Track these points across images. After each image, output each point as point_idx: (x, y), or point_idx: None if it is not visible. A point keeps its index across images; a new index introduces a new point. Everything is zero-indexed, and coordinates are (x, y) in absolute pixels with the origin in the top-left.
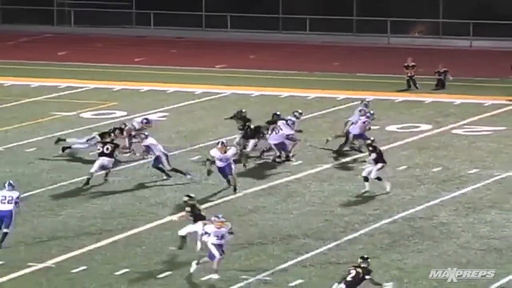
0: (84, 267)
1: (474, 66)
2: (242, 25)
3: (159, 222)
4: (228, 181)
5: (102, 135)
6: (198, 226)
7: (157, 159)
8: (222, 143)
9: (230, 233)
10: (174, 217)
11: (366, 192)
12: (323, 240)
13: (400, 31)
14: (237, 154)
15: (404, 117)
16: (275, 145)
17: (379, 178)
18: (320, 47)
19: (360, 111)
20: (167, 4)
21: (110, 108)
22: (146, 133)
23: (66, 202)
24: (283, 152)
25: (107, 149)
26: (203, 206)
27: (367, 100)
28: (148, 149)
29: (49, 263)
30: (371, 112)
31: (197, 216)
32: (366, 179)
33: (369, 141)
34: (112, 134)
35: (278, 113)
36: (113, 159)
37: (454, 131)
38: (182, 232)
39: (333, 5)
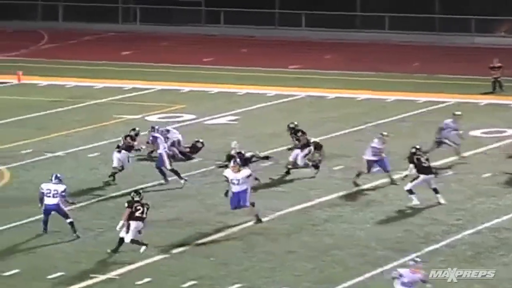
0: (149, 279)
1: None
2: (317, 23)
3: (229, 231)
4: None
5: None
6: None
7: (161, 158)
8: (235, 161)
9: (423, 281)
10: (120, 224)
11: (415, 205)
12: (402, 251)
13: (485, 30)
14: (252, 176)
15: (489, 121)
16: (371, 161)
17: (410, 191)
18: (399, 46)
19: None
20: (238, 1)
21: (177, 111)
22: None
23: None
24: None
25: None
26: (275, 215)
27: (457, 113)
28: (154, 140)
29: (112, 274)
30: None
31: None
32: (410, 191)
33: (413, 150)
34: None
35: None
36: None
37: None
38: (123, 234)
39: (413, 2)
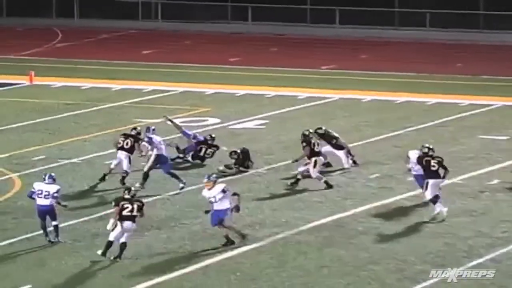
0: None
1: None
2: (352, 20)
3: (257, 244)
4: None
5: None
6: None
7: (163, 162)
8: (208, 177)
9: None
10: (109, 225)
11: (437, 214)
12: (443, 266)
13: None
14: (229, 192)
15: None
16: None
17: (433, 200)
18: (441, 45)
19: None
20: None
21: (201, 114)
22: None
23: (151, 222)
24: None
25: (127, 144)
26: (307, 226)
27: None
28: (149, 141)
29: None
30: None
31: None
32: (433, 201)
33: (425, 149)
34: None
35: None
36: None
37: None
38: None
39: None
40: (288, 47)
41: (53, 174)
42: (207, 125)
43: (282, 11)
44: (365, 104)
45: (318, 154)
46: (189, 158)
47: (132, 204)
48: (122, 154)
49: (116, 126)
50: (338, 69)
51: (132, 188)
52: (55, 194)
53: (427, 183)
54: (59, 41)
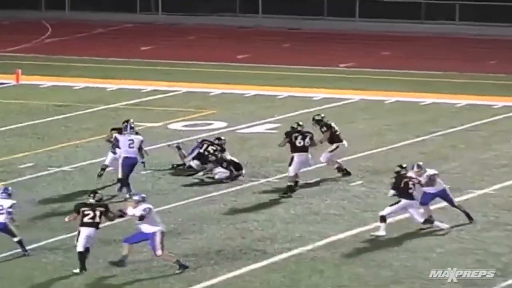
0: None
1: None
2: (373, 13)
3: (268, 261)
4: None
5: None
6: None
7: (127, 164)
8: (134, 195)
9: None
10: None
11: (379, 236)
12: (473, 286)
13: None
14: (149, 211)
15: None
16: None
17: (427, 221)
18: (473, 41)
19: None
20: None
21: (206, 117)
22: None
23: None
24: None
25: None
26: (323, 241)
27: None
28: (116, 142)
29: None
30: None
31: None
32: (382, 219)
33: (397, 169)
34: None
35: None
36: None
37: None
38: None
39: None
40: (302, 43)
41: (9, 188)
42: (213, 129)
43: (296, 3)
44: (388, 106)
45: (340, 139)
46: (192, 163)
47: (94, 210)
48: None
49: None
50: (357, 67)
51: (98, 192)
52: (10, 210)
53: (399, 201)
54: (49, 36)
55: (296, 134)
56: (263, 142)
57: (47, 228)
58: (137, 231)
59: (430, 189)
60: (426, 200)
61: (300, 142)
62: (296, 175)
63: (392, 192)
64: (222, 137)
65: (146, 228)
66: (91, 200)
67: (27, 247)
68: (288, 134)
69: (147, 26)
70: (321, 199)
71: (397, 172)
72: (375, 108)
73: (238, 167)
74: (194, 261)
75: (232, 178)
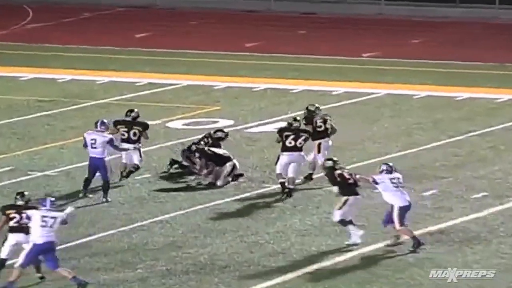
0: None
1: None
2: None
3: (279, 279)
4: None
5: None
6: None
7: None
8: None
9: None
10: None
11: (352, 245)
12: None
13: None
14: (69, 216)
15: None
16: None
17: (342, 222)
18: None
19: None
20: None
21: (209, 115)
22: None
23: (146, 251)
24: None
25: (134, 134)
26: (344, 256)
27: None
28: (85, 143)
29: None
30: None
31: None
32: (342, 222)
33: (329, 163)
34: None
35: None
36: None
37: None
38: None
39: None
40: (319, 29)
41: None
42: (217, 128)
43: None
44: (418, 102)
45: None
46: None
47: (20, 214)
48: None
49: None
50: (383, 57)
51: (26, 193)
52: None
53: (347, 200)
54: (30, 22)
55: (288, 133)
56: (274, 143)
57: None
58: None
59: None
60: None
61: (290, 143)
62: (282, 175)
63: (335, 188)
64: (225, 130)
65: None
66: (19, 202)
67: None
68: (280, 132)
69: (143, 10)
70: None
71: (328, 167)
72: (402, 104)
73: (220, 160)
74: (195, 279)
75: (227, 178)
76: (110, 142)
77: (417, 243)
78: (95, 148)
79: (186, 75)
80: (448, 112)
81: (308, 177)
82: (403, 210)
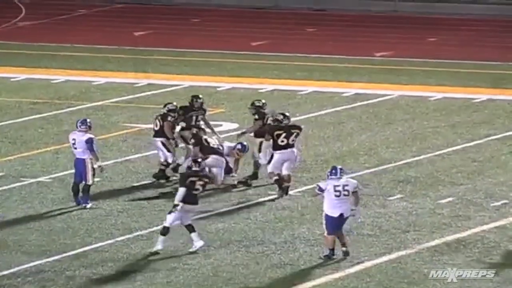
0: None
1: None
2: None
3: None
4: None
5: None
6: None
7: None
8: None
9: None
10: None
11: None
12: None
13: None
14: None
15: None
16: None
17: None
18: None
19: None
20: None
21: (213, 117)
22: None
23: (144, 261)
24: None
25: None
26: (355, 268)
27: None
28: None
29: None
30: None
31: None
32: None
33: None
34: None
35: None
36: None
37: None
38: None
39: None
40: (330, 27)
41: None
42: (221, 132)
43: None
44: (434, 104)
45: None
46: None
47: None
48: (156, 142)
49: (98, 133)
50: (397, 56)
51: None
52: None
53: (177, 205)
54: (23, 19)
55: (279, 132)
56: None
57: (21, 251)
58: None
59: None
60: None
61: (283, 141)
62: (275, 173)
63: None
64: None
65: None
66: None
67: (3, 272)
68: (270, 130)
69: (142, 6)
70: (353, 217)
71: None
72: (417, 106)
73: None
74: None
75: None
76: (88, 141)
77: (345, 253)
78: (75, 148)
79: (188, 76)
80: (466, 115)
81: (253, 176)
82: (334, 220)
